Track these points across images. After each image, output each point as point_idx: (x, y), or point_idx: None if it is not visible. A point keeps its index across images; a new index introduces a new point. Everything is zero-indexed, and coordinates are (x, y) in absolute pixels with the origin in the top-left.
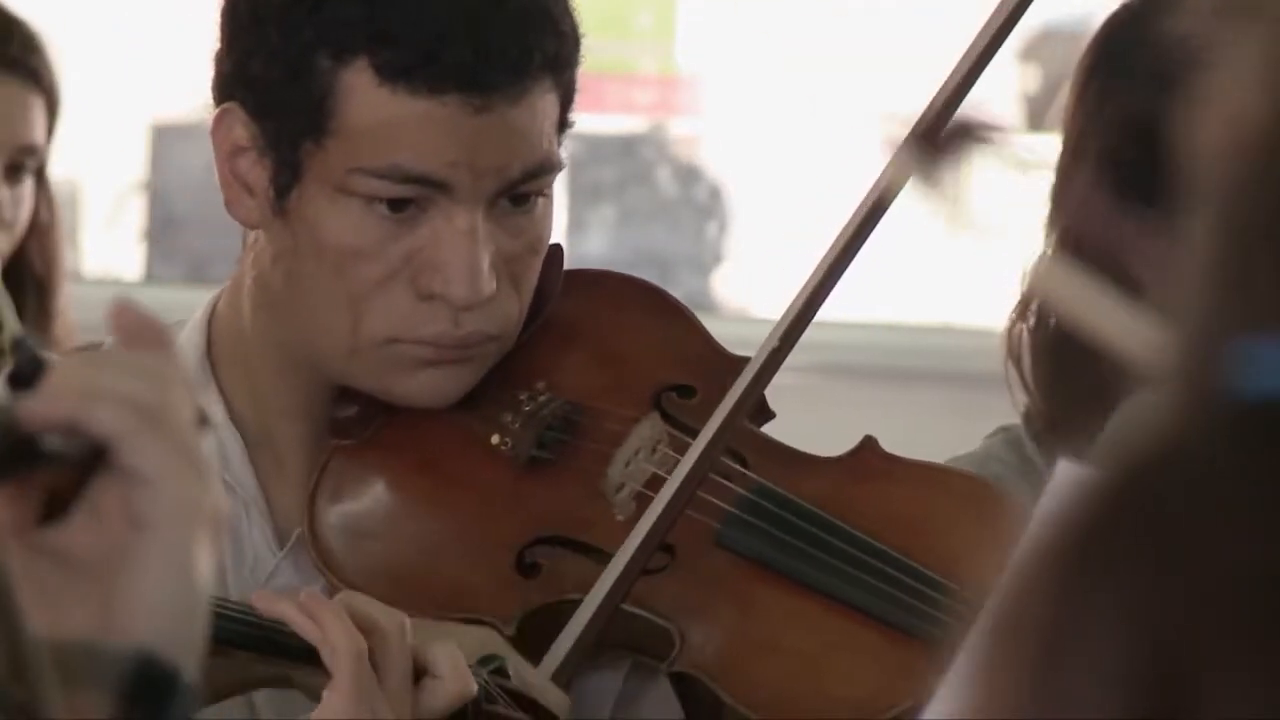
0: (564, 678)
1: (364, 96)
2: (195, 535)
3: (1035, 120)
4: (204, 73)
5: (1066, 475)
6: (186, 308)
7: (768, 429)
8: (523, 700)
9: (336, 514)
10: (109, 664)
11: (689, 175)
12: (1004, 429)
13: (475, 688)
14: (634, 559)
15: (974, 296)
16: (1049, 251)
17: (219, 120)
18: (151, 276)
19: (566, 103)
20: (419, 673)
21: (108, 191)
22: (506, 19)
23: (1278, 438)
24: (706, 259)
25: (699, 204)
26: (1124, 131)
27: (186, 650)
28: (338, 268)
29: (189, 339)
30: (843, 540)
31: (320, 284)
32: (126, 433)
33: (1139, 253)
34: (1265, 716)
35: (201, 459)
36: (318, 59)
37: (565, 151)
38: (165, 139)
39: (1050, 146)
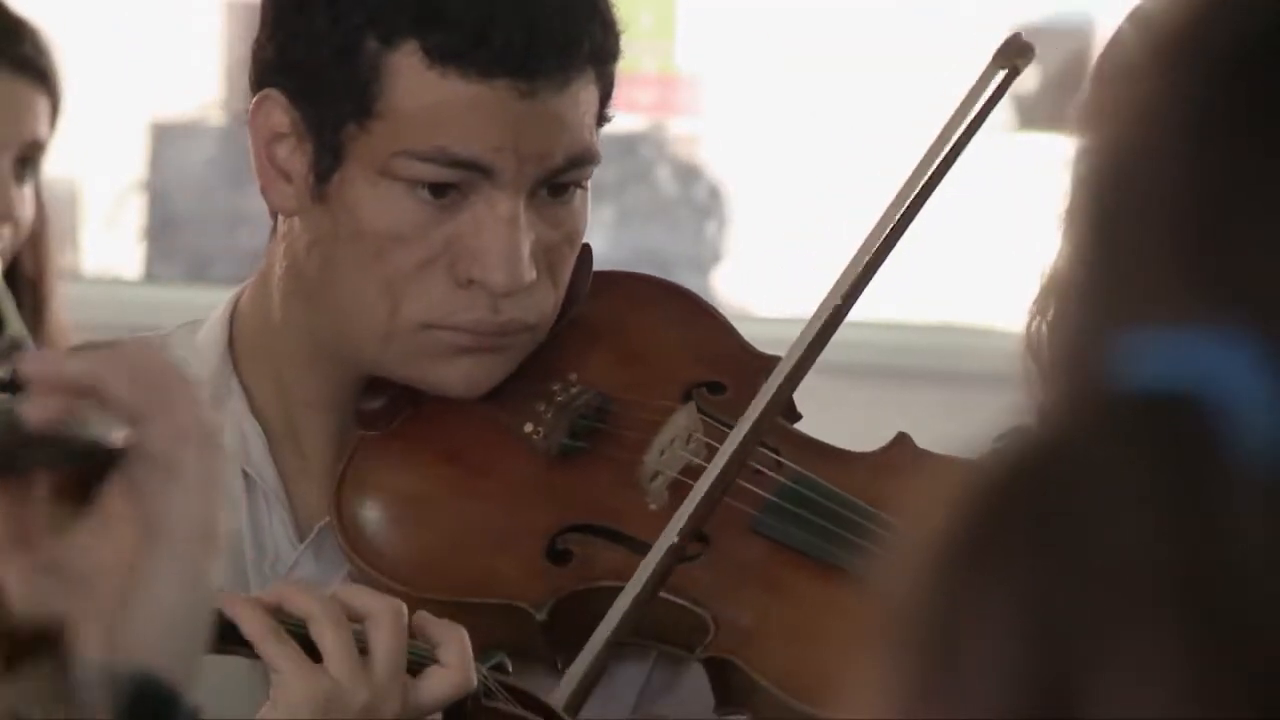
0: (600, 666)
1: (412, 79)
2: (209, 547)
3: (1029, 119)
4: (203, 71)
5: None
6: (186, 307)
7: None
8: (523, 697)
9: (364, 501)
10: (109, 685)
11: (688, 174)
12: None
13: (475, 681)
14: (672, 549)
15: (976, 296)
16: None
17: (257, 107)
18: (151, 276)
19: (606, 96)
20: (427, 661)
21: (107, 190)
22: (556, 5)
23: (1157, 428)
24: (706, 258)
25: (698, 203)
26: None
27: (190, 668)
28: (377, 252)
29: (210, 335)
30: (879, 526)
31: (358, 269)
32: (145, 409)
33: None
34: (1155, 707)
35: (218, 469)
36: (366, 41)
37: None
38: (165, 138)
39: (1046, 145)
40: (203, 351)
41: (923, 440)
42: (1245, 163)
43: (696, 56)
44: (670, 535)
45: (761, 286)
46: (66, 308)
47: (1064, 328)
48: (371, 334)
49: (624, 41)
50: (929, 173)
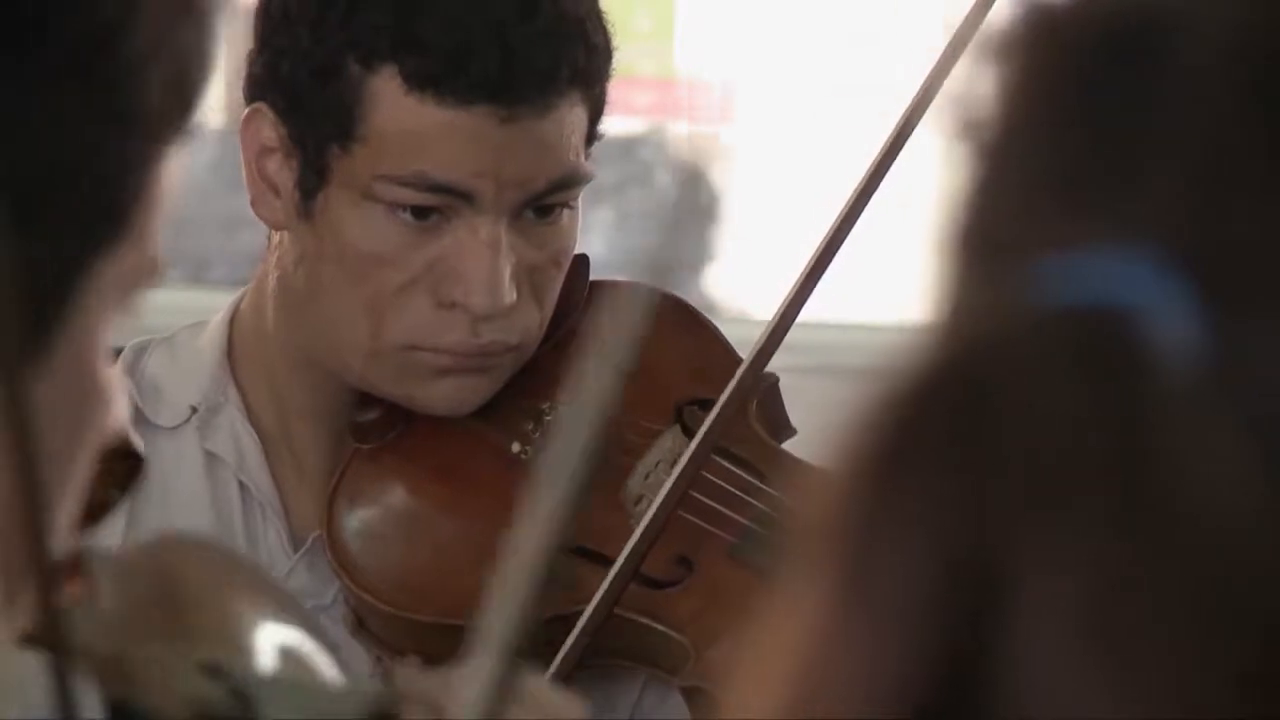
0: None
1: (391, 104)
2: None
3: None
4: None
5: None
6: (187, 309)
7: (791, 445)
8: None
9: (355, 517)
10: None
11: (688, 176)
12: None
13: None
14: (625, 564)
15: None
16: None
17: (248, 120)
18: None
19: (596, 115)
20: None
21: None
22: (536, 31)
23: (1077, 334)
24: (705, 261)
25: (698, 205)
26: None
27: None
28: (359, 273)
29: (210, 338)
30: None
31: (341, 288)
32: None
33: None
34: (1076, 598)
35: None
36: (347, 64)
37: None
38: None
39: None
40: (203, 354)
41: None
42: (1109, 106)
43: (695, 59)
44: (624, 553)
45: (760, 288)
46: None
47: (1006, 243)
48: (356, 352)
49: (623, 44)
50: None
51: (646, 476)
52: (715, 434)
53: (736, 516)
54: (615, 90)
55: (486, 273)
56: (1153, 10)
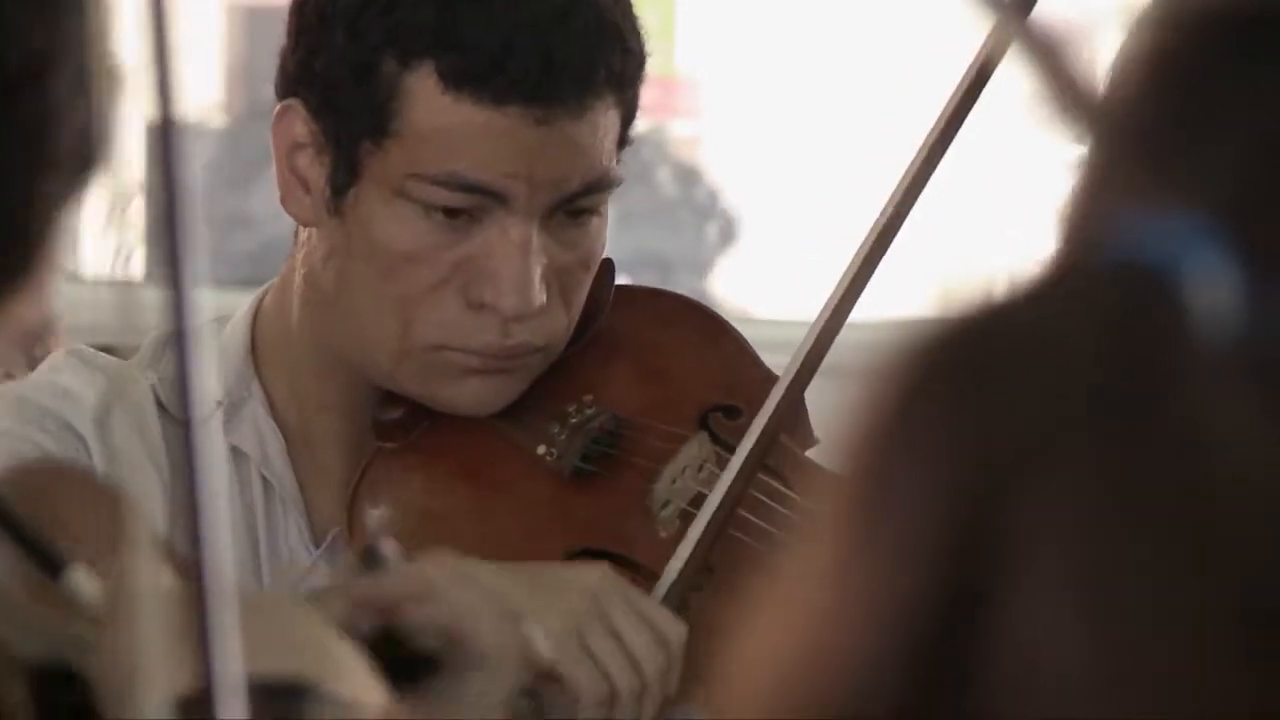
0: None
1: (427, 102)
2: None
3: (1049, 119)
4: (203, 74)
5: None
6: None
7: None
8: None
9: (377, 515)
10: None
11: (688, 176)
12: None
13: None
14: (677, 581)
15: None
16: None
17: (280, 116)
18: (151, 278)
19: (628, 119)
20: None
21: (107, 192)
22: (574, 33)
23: (1109, 292)
24: (705, 260)
25: (698, 205)
26: None
27: None
28: (389, 271)
29: (233, 334)
30: None
31: (370, 286)
32: (482, 655)
33: None
34: (1072, 570)
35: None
36: (384, 61)
37: None
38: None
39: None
40: (227, 350)
41: None
42: (1198, 86)
43: (696, 58)
44: (672, 572)
45: (761, 288)
46: (64, 308)
47: (1058, 230)
48: (383, 351)
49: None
50: (925, 155)
51: (673, 482)
52: (762, 451)
53: (759, 522)
54: None
55: (517, 274)
56: (1269, 8)
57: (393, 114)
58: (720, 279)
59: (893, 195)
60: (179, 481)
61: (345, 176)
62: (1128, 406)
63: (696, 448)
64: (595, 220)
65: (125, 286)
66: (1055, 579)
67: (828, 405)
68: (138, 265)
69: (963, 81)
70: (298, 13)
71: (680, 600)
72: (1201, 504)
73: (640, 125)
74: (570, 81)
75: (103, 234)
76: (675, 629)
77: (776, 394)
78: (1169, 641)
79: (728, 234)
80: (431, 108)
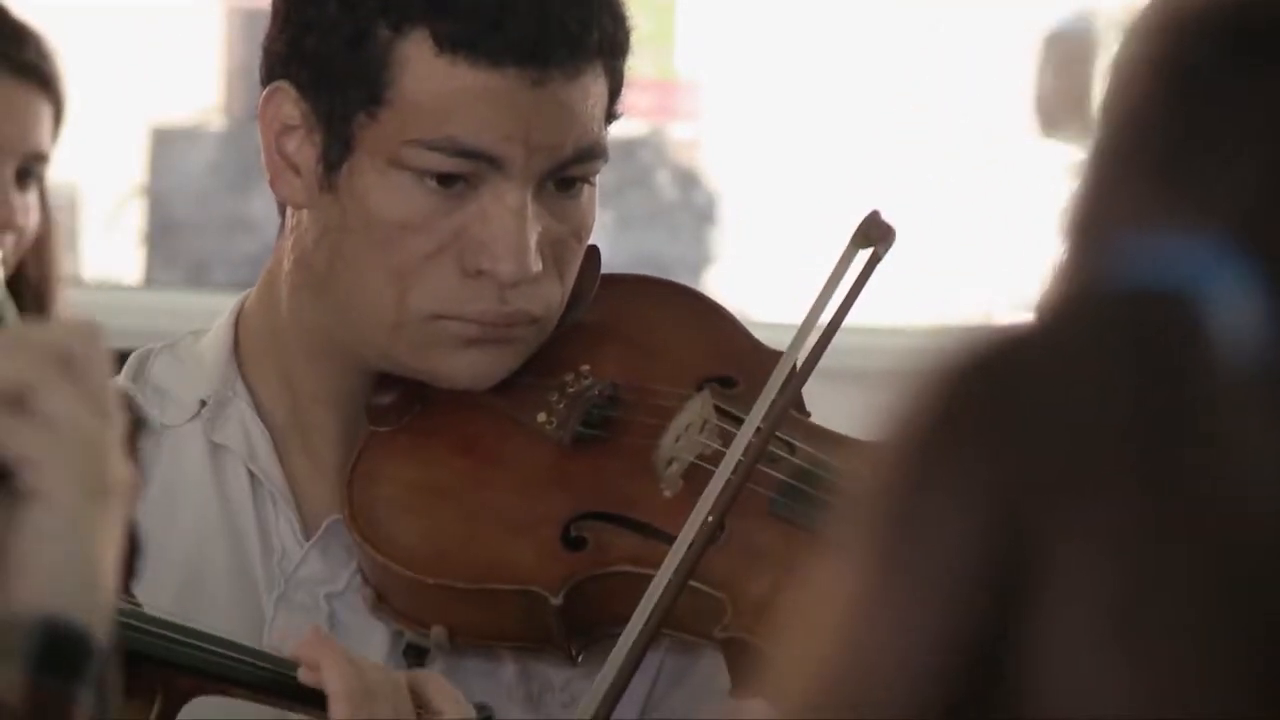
0: (634, 661)
1: (422, 67)
2: (94, 501)
3: (1050, 123)
4: (203, 77)
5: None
6: (186, 312)
7: None
8: None
9: (376, 493)
10: (14, 634)
11: (687, 179)
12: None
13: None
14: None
15: (991, 299)
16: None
17: (268, 100)
18: (151, 281)
19: (615, 92)
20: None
21: (107, 195)
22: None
23: (1135, 317)
24: (704, 262)
25: (697, 208)
26: None
27: (95, 615)
28: (386, 241)
29: (215, 340)
30: None
31: (366, 259)
32: (41, 381)
33: None
34: (1110, 570)
35: (111, 424)
36: (377, 28)
37: None
38: (165, 143)
39: (1062, 151)
40: (206, 357)
41: None
42: (1213, 96)
43: (695, 61)
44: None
45: (759, 290)
46: (68, 314)
47: (1065, 241)
48: (379, 324)
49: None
50: (791, 366)
51: (677, 439)
52: (773, 425)
53: (772, 472)
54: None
55: (513, 239)
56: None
57: (387, 82)
58: (719, 282)
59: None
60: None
61: (339, 151)
62: (1156, 430)
63: (699, 404)
64: (586, 190)
65: (125, 291)
66: (1090, 601)
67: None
68: (137, 268)
69: (834, 281)
70: None
71: (694, 564)
72: (1233, 524)
73: (639, 128)
74: (565, 43)
75: (103, 236)
76: None
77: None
78: (1204, 664)
79: (725, 237)
80: (426, 73)
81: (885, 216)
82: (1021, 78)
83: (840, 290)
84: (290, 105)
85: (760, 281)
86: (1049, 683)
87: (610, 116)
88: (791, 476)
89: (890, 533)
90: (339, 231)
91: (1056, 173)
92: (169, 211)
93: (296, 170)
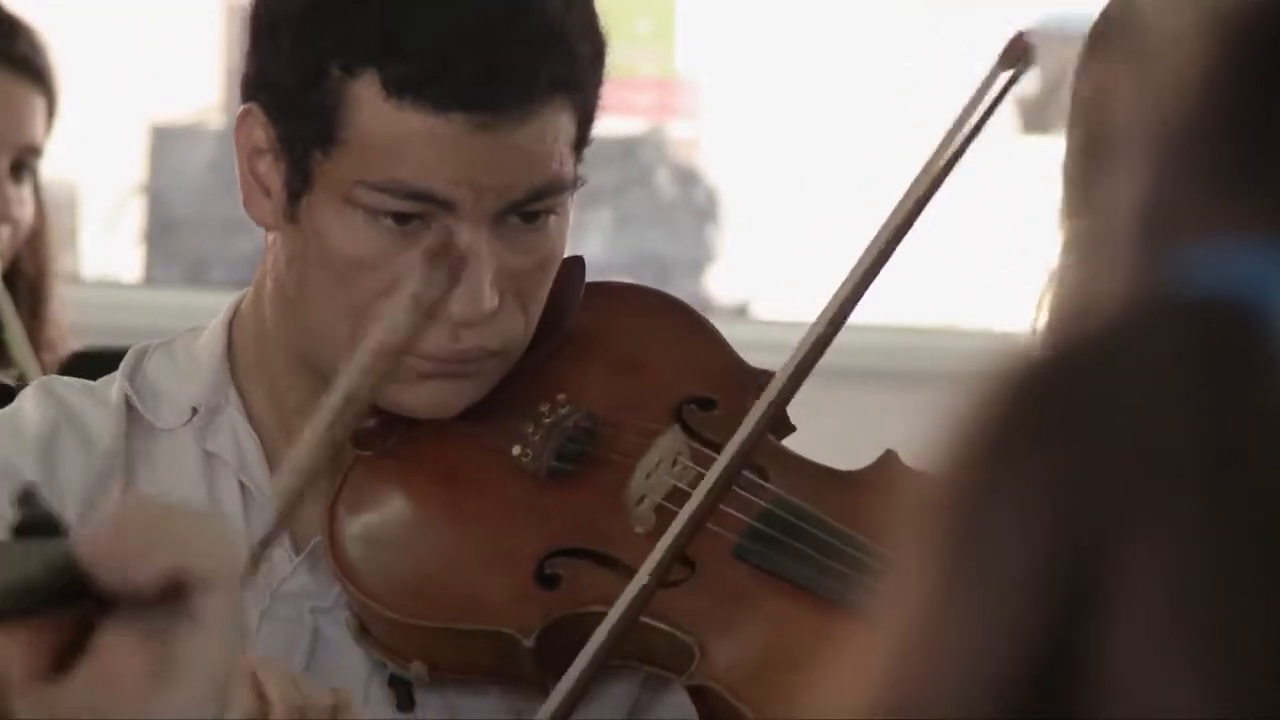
0: (580, 692)
1: (371, 109)
2: (222, 692)
3: (1033, 123)
4: (203, 75)
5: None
6: (185, 311)
7: (789, 442)
8: None
9: (356, 524)
10: None
11: (687, 178)
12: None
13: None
14: (653, 576)
15: (978, 299)
16: (1064, 250)
17: (241, 120)
18: (150, 279)
19: (586, 120)
20: None
21: (107, 193)
22: (517, 39)
23: (1200, 328)
24: (704, 261)
25: (697, 206)
26: None
27: None
28: (342, 277)
29: (210, 341)
30: (860, 552)
31: (326, 291)
32: (209, 580)
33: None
34: (1177, 589)
35: (240, 611)
36: (330, 69)
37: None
38: (165, 141)
39: (1049, 148)
40: (202, 358)
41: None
42: (1271, 98)
43: (695, 59)
44: (649, 565)
45: (759, 289)
46: (65, 309)
47: (1125, 237)
48: (339, 355)
49: (623, 45)
50: (930, 178)
51: (647, 477)
52: (745, 453)
53: (736, 514)
54: (615, 91)
55: (466, 279)
56: None
57: (339, 122)
58: (719, 280)
59: (898, 207)
60: None
61: (299, 183)
62: (1221, 439)
63: (669, 441)
64: (552, 222)
65: (124, 289)
66: (1159, 623)
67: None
68: (137, 266)
69: (976, 100)
70: (253, 17)
71: (650, 595)
72: None
73: (639, 127)
74: (512, 88)
75: (103, 234)
76: None
77: (765, 399)
78: (1274, 671)
79: (725, 236)
80: (376, 115)
81: (1029, 37)
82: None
83: (978, 111)
84: (260, 129)
85: (760, 280)
86: (1116, 691)
87: (581, 143)
88: (756, 519)
89: (952, 544)
90: (303, 261)
91: (1038, 170)
92: (168, 210)
93: (267, 193)
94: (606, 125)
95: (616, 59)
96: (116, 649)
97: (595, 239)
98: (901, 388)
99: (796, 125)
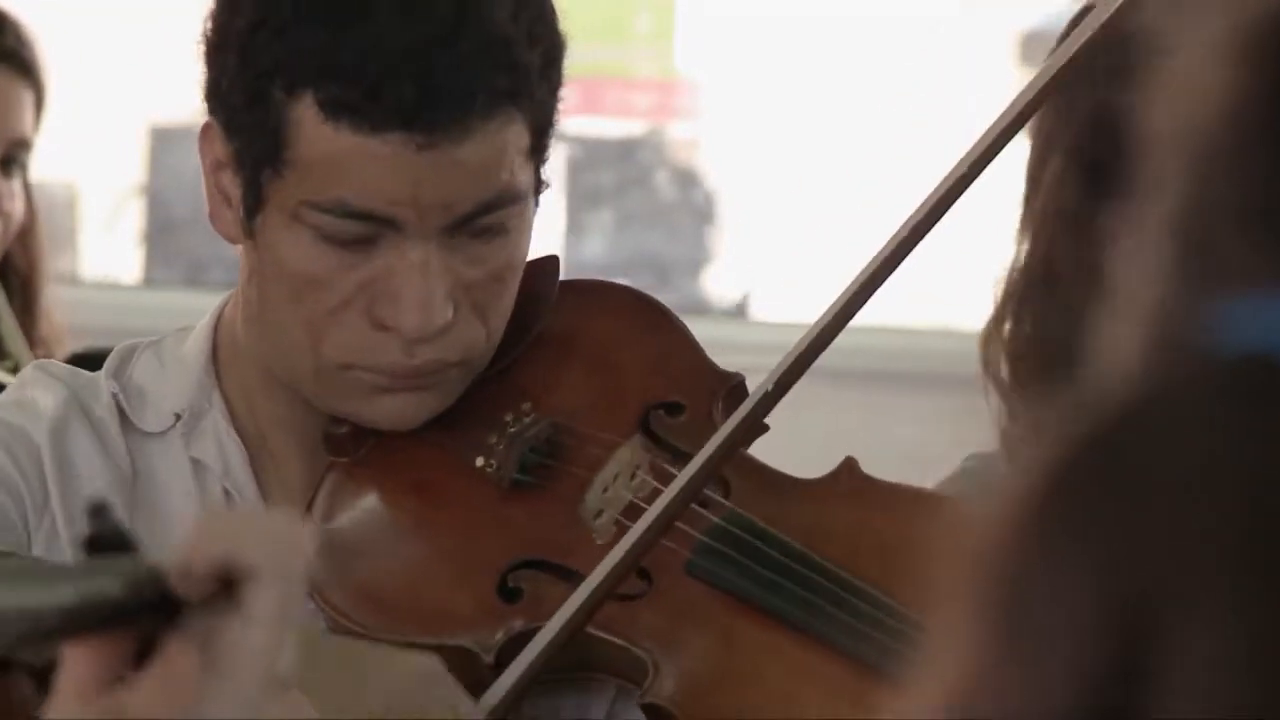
0: (511, 701)
1: (311, 131)
2: (270, 689)
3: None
4: (202, 76)
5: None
6: (185, 311)
7: (764, 440)
8: None
9: (326, 534)
10: None
11: (687, 179)
12: (978, 456)
13: None
14: (599, 587)
15: (976, 299)
16: (1021, 252)
17: (204, 133)
18: (150, 280)
19: (542, 127)
20: None
21: (106, 194)
22: (455, 56)
23: (1248, 388)
24: (703, 262)
25: (696, 207)
26: (1089, 127)
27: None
28: (295, 294)
29: (195, 343)
30: (813, 571)
31: (283, 307)
32: (269, 572)
33: (1110, 247)
34: (1233, 662)
35: (291, 606)
36: (273, 89)
37: (562, 155)
38: (164, 142)
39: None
40: (188, 360)
41: (923, 445)
42: None
43: (695, 60)
44: (596, 577)
45: (758, 290)
46: (64, 310)
47: (1160, 297)
48: (301, 370)
49: (622, 45)
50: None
51: (605, 490)
52: (703, 474)
53: (690, 530)
54: (615, 91)
55: (416, 295)
56: None
57: (285, 142)
58: (718, 281)
59: (909, 219)
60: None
61: (252, 200)
62: (1271, 513)
63: (628, 454)
64: (510, 231)
65: (123, 289)
66: (1211, 691)
67: (826, 406)
68: (136, 267)
69: (1006, 115)
70: (205, 35)
71: (597, 605)
72: None
73: (639, 128)
74: (451, 105)
75: (102, 235)
76: None
77: (729, 426)
78: None
79: (725, 236)
80: (315, 136)
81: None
82: (1016, 79)
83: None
84: (220, 143)
85: (759, 280)
86: None
87: (538, 151)
88: (706, 534)
89: (1008, 605)
90: (260, 276)
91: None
92: (168, 211)
93: (230, 206)
94: (606, 125)
95: (616, 59)
96: (178, 654)
97: (595, 239)
98: (879, 387)
99: (796, 126)
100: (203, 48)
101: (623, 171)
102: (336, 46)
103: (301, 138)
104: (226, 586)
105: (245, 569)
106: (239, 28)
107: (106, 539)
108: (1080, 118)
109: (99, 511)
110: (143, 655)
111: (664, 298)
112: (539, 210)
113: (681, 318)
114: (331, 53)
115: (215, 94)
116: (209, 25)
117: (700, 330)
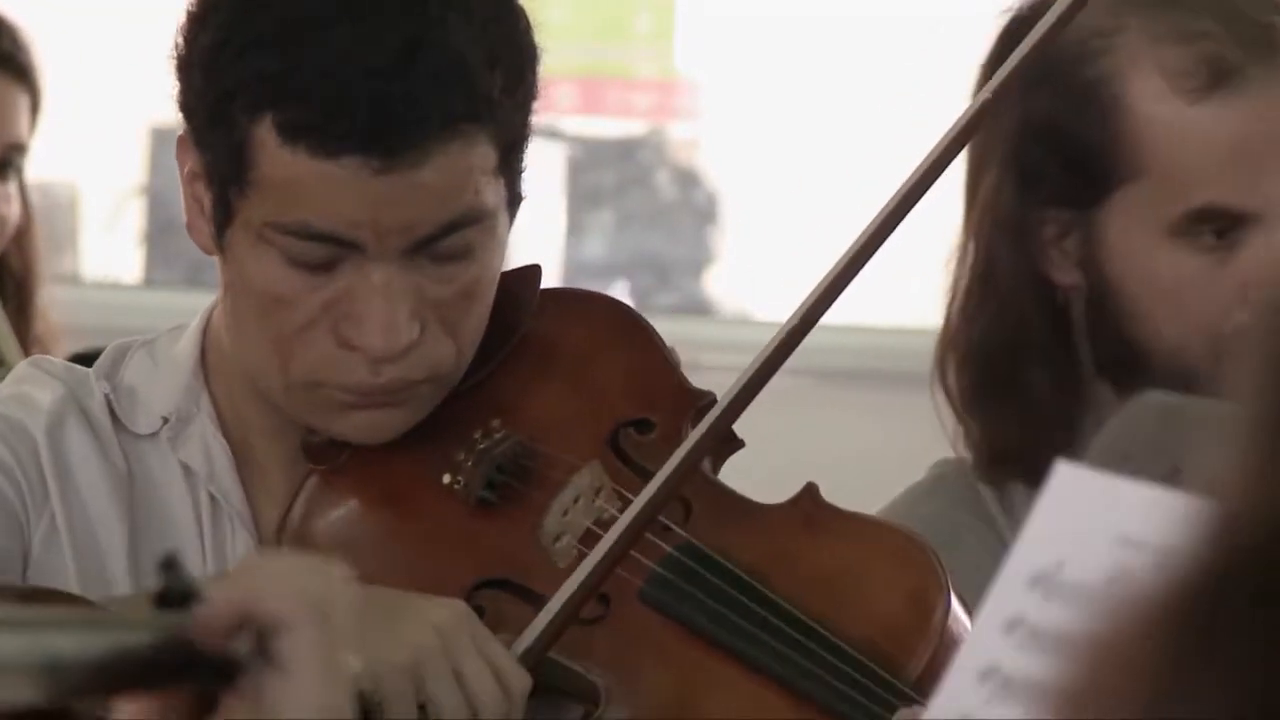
0: None
1: (271, 153)
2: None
3: None
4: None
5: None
6: (185, 312)
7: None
8: None
9: (301, 542)
10: None
11: (687, 179)
12: (947, 461)
13: None
14: (557, 615)
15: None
16: (962, 255)
17: (180, 144)
18: (150, 280)
19: (512, 144)
20: None
21: (107, 194)
22: (413, 79)
23: None
24: (704, 263)
25: (697, 207)
26: (1025, 135)
27: None
28: (264, 311)
29: (184, 346)
30: (761, 606)
31: (252, 322)
32: (298, 621)
33: (1046, 252)
34: None
35: (332, 646)
36: (234, 111)
37: (562, 155)
38: (164, 142)
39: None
40: (178, 361)
41: (911, 444)
42: None
43: (695, 60)
44: (554, 606)
45: (758, 290)
46: (64, 310)
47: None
48: (272, 384)
49: (623, 46)
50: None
51: (564, 514)
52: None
53: (644, 559)
54: (615, 91)
55: (379, 317)
56: None
57: (249, 163)
58: (719, 282)
59: (865, 230)
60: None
61: (222, 216)
62: None
63: (587, 477)
64: (479, 248)
65: (124, 290)
66: None
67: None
68: (136, 267)
69: (969, 110)
70: (175, 48)
71: (559, 631)
72: None
73: (639, 128)
74: (407, 130)
75: (103, 235)
76: (519, 679)
77: (683, 449)
78: None
79: (725, 237)
80: (275, 159)
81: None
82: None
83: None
84: (194, 155)
85: (760, 281)
86: None
87: (508, 166)
88: (659, 564)
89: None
90: (232, 291)
91: None
92: (168, 211)
93: (205, 217)
94: (607, 126)
95: (616, 59)
96: (228, 712)
97: (595, 239)
98: (869, 387)
99: (797, 126)
100: (174, 62)
101: (623, 172)
102: (294, 69)
103: (264, 159)
104: (261, 640)
105: (270, 619)
106: (204, 45)
107: (177, 593)
108: (1016, 124)
109: (170, 565)
110: (203, 714)
111: (664, 298)
112: (541, 210)
113: (682, 318)
114: (289, 76)
115: (185, 108)
116: (179, 40)
117: (700, 330)
